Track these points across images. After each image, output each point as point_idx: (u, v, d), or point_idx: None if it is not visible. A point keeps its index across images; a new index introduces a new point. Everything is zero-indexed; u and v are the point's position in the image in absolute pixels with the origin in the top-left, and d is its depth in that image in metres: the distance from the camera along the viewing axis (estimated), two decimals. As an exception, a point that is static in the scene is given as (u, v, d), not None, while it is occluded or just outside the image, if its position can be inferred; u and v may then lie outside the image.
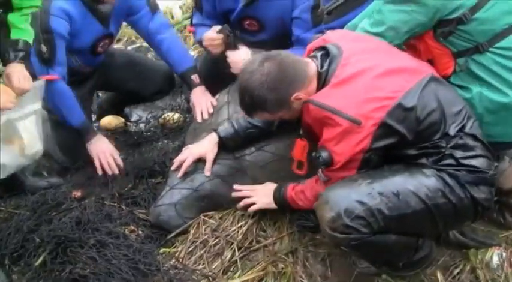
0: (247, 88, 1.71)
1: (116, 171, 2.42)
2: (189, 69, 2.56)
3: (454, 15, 1.78)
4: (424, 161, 1.66)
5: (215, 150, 2.15)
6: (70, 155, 2.54)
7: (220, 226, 2.11)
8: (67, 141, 2.48)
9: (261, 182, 2.11)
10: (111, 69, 2.75)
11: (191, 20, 2.61)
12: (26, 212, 2.18)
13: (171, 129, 2.91)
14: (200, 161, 2.17)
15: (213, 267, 1.99)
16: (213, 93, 2.50)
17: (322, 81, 1.71)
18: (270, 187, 2.04)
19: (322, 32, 2.29)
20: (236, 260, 2.00)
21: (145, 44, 3.67)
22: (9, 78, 1.94)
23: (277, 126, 2.11)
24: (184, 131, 2.73)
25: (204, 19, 2.55)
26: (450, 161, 1.64)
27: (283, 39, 2.46)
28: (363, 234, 1.58)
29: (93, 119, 3.07)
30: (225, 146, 2.16)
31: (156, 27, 2.57)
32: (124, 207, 2.29)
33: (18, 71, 1.96)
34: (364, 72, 1.65)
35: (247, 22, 2.49)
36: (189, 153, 2.19)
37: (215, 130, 2.17)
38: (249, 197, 2.08)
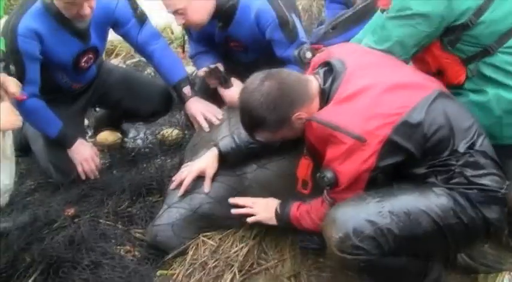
0: (247, 108, 1.69)
1: (97, 175, 2.51)
2: (180, 81, 2.51)
3: (459, 22, 1.76)
4: (433, 179, 1.61)
5: (215, 165, 2.10)
6: (63, 171, 2.51)
7: (220, 247, 2.05)
8: (59, 158, 2.49)
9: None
10: (107, 86, 2.71)
11: (183, 48, 2.68)
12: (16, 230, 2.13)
13: (169, 145, 2.86)
14: (200, 178, 2.11)
15: (213, 290, 1.92)
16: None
17: (326, 98, 1.68)
18: (271, 203, 1.97)
19: (303, 44, 2.32)
20: (236, 284, 1.94)
21: (143, 59, 3.62)
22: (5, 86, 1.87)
23: (280, 144, 2.05)
24: (183, 148, 2.68)
25: (197, 45, 2.60)
26: (460, 179, 1.59)
27: (273, 58, 2.44)
28: (372, 255, 1.52)
29: (90, 134, 3.02)
30: (226, 161, 2.10)
31: (145, 38, 2.53)
32: (120, 226, 2.24)
33: (8, 79, 1.90)
34: (369, 89, 1.62)
35: (231, 43, 2.50)
36: (188, 171, 2.13)
37: (215, 145, 2.11)
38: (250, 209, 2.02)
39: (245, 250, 2.02)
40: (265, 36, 2.36)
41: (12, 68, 2.14)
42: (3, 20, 2.28)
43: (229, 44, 2.50)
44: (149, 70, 3.64)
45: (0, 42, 1.95)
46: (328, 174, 1.63)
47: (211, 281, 1.95)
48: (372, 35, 1.90)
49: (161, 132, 2.96)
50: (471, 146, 1.61)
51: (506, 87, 1.78)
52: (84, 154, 2.49)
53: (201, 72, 2.47)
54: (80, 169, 2.47)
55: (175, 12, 2.28)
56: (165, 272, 2.04)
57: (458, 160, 1.59)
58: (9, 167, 1.95)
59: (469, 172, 1.59)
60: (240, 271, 1.97)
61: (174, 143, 2.86)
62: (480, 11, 1.75)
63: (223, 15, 2.35)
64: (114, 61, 3.78)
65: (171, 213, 2.10)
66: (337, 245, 1.54)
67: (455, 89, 1.86)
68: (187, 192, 2.11)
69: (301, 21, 2.52)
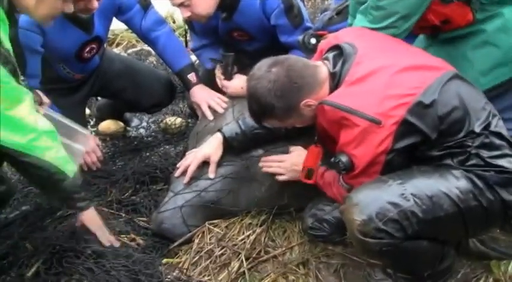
0: (255, 95, 1.66)
1: (99, 167, 2.41)
2: (185, 68, 2.48)
3: None
4: (449, 161, 1.58)
5: (220, 151, 2.07)
6: None
7: (226, 235, 2.02)
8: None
9: (269, 187, 2.04)
10: (108, 75, 2.67)
11: (185, 41, 2.65)
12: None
13: (172, 134, 2.84)
14: (205, 165, 2.08)
15: (219, 279, 1.90)
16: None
17: (336, 81, 1.65)
18: (299, 160, 1.93)
19: (307, 29, 2.32)
20: (244, 272, 1.91)
21: (146, 47, 3.62)
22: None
23: (286, 130, 2.02)
24: (186, 136, 2.67)
25: (200, 39, 2.57)
26: (477, 161, 1.56)
27: (278, 45, 2.42)
28: (395, 238, 1.50)
29: (92, 123, 2.99)
30: (231, 147, 2.06)
31: (150, 24, 2.49)
32: (124, 215, 2.20)
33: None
34: (381, 70, 1.59)
35: (235, 33, 2.47)
36: (193, 158, 2.10)
37: (220, 130, 2.08)
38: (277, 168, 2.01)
39: (252, 238, 2.00)
40: (268, 23, 2.34)
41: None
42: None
43: (233, 35, 2.47)
44: (151, 59, 3.61)
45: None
46: (343, 159, 1.61)
47: (217, 269, 1.93)
48: (364, 16, 1.89)
49: (164, 121, 2.94)
50: (486, 127, 1.58)
51: None
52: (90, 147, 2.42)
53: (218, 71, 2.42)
54: (81, 161, 2.41)
55: (181, 5, 2.24)
56: (171, 260, 2.01)
57: (473, 141, 1.57)
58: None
59: (485, 153, 1.56)
60: (247, 259, 1.94)
61: (177, 132, 2.84)
62: None
63: (227, 5, 2.32)
64: (116, 50, 3.75)
65: (177, 200, 2.07)
66: (360, 228, 1.50)
67: (469, 29, 1.86)
68: (192, 179, 2.08)
69: (304, 6, 2.50)
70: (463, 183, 1.54)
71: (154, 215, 2.11)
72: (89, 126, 2.88)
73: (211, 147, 2.07)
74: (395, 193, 1.51)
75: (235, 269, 1.91)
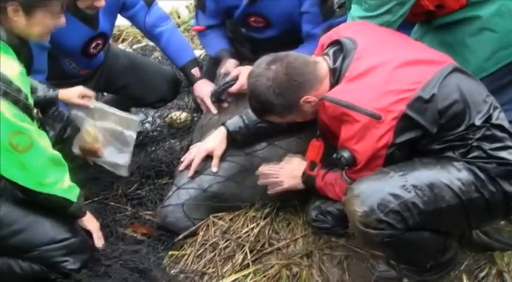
0: (254, 92, 1.68)
1: None
2: (188, 63, 2.49)
3: None
4: (451, 154, 1.59)
5: (223, 145, 2.08)
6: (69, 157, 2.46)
7: (230, 228, 2.04)
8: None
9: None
10: (113, 71, 2.67)
11: (196, 20, 2.58)
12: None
13: (178, 128, 2.84)
14: (209, 159, 2.09)
15: (224, 271, 1.92)
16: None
17: (336, 77, 1.66)
18: (297, 169, 1.93)
19: (332, 27, 2.26)
20: (248, 264, 1.93)
21: (151, 43, 3.61)
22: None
23: (289, 123, 2.02)
24: (191, 130, 2.67)
25: (208, 18, 2.51)
26: (479, 153, 1.57)
27: (292, 34, 2.42)
28: (396, 230, 1.51)
29: (98, 118, 2.99)
30: (234, 141, 2.07)
31: (154, 20, 2.50)
32: (129, 209, 2.23)
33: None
34: (381, 65, 1.59)
35: (252, 19, 2.44)
36: (196, 151, 2.11)
37: (223, 124, 2.09)
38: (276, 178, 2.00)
39: (256, 230, 2.01)
40: (298, 9, 2.32)
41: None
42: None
43: (249, 20, 2.45)
44: (156, 54, 3.61)
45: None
46: (345, 154, 1.61)
47: (222, 261, 1.94)
48: (359, 6, 1.89)
49: (169, 115, 2.94)
50: (487, 120, 1.58)
51: None
52: None
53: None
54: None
55: None
56: (176, 253, 2.03)
57: (475, 134, 1.57)
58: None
59: (486, 145, 1.56)
60: (251, 251, 1.95)
61: (183, 126, 2.84)
62: None
63: None
64: (121, 46, 3.74)
65: (181, 194, 2.08)
66: (361, 219, 1.51)
67: (463, 14, 1.86)
68: (196, 173, 2.09)
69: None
70: (465, 175, 1.54)
71: (158, 209, 2.14)
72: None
73: (214, 141, 2.08)
74: (396, 185, 1.52)
75: (239, 261, 1.93)
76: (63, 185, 1.78)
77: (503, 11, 1.83)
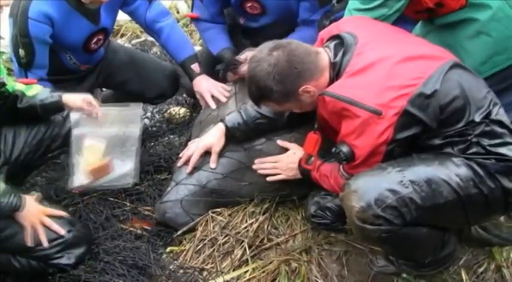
0: (254, 77, 1.66)
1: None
2: (188, 58, 2.48)
3: None
4: (450, 150, 1.58)
5: (222, 141, 2.07)
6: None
7: (229, 223, 2.04)
8: None
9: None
10: (112, 66, 2.67)
11: (192, 8, 2.58)
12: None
13: (177, 124, 2.84)
14: (207, 154, 2.09)
15: (223, 266, 1.92)
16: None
17: (336, 71, 1.65)
18: (293, 160, 1.96)
19: (329, 12, 2.28)
20: (247, 259, 1.93)
21: (150, 38, 3.60)
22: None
23: (288, 118, 2.03)
24: (190, 126, 2.67)
25: (205, 6, 2.51)
26: (478, 149, 1.56)
27: (287, 21, 2.43)
28: (394, 225, 1.50)
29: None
30: (233, 136, 2.07)
31: (154, 15, 2.49)
32: (128, 204, 2.22)
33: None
34: (382, 61, 1.58)
35: (248, 5, 2.44)
36: (195, 147, 2.11)
37: (222, 120, 2.08)
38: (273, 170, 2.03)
39: (255, 226, 2.01)
40: None
41: (21, 51, 2.12)
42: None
43: (245, 6, 2.45)
44: (155, 49, 3.60)
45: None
46: (344, 149, 1.61)
47: (221, 256, 1.94)
48: None
49: (168, 111, 2.93)
50: (487, 116, 1.58)
51: None
52: None
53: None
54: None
55: None
56: (175, 248, 2.03)
57: (474, 130, 1.56)
58: None
59: (485, 141, 1.56)
60: (250, 247, 1.95)
61: (182, 121, 2.84)
62: None
63: None
64: (120, 41, 3.73)
65: (179, 189, 2.08)
66: (359, 215, 1.51)
67: (463, 15, 1.85)
68: (194, 169, 2.09)
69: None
70: (464, 171, 1.53)
71: (157, 204, 2.13)
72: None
73: (213, 137, 2.07)
74: (394, 180, 1.51)
75: (238, 256, 1.93)
76: None
77: (500, 16, 1.82)
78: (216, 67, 2.35)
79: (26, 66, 2.18)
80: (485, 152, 1.55)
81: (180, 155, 2.17)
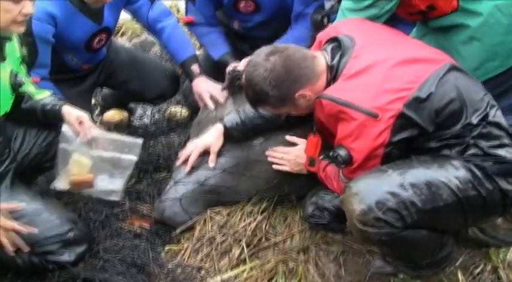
0: (251, 82, 1.67)
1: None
2: (188, 59, 2.49)
3: None
4: (448, 152, 1.58)
5: (220, 141, 2.08)
6: None
7: (227, 222, 2.04)
8: None
9: (270, 176, 2.05)
10: (114, 66, 2.68)
11: (186, 12, 2.59)
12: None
13: (177, 123, 2.84)
14: (206, 154, 2.10)
15: (221, 265, 1.93)
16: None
17: (333, 74, 1.65)
18: (300, 157, 1.97)
19: (322, 6, 2.31)
20: (245, 258, 1.93)
21: (150, 38, 3.61)
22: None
23: (286, 119, 2.04)
24: (190, 126, 2.65)
25: (198, 10, 2.52)
26: (475, 150, 1.56)
27: (281, 19, 2.44)
28: (395, 228, 1.51)
29: (97, 113, 3.00)
30: (231, 136, 2.08)
31: (156, 15, 2.51)
32: (127, 202, 2.22)
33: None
34: (379, 64, 1.58)
35: (242, 4, 2.45)
36: (194, 147, 2.12)
37: (220, 120, 2.09)
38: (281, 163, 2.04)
39: (253, 225, 2.01)
40: None
41: (24, 50, 2.12)
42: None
43: (239, 5, 2.46)
44: (155, 49, 3.61)
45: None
46: (342, 152, 1.61)
47: (219, 255, 1.95)
48: None
49: (168, 110, 2.94)
50: (484, 118, 1.58)
51: None
52: None
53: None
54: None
55: None
56: (173, 247, 2.04)
57: (471, 132, 1.57)
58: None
59: (483, 143, 1.56)
60: (248, 246, 1.96)
61: (182, 121, 2.84)
62: None
63: None
64: (120, 40, 3.74)
65: (178, 188, 2.09)
66: (359, 217, 1.51)
67: (456, 19, 1.86)
68: (193, 168, 2.09)
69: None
70: (462, 173, 1.54)
71: (156, 203, 2.14)
72: (93, 116, 2.89)
73: (212, 137, 2.08)
74: (394, 183, 1.51)
75: (236, 255, 1.93)
76: None
77: (491, 22, 1.82)
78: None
79: (28, 65, 2.18)
80: (483, 153, 1.55)
81: (179, 155, 2.17)
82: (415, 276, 1.80)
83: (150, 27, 2.55)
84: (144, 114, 3.05)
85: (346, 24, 1.81)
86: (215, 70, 2.50)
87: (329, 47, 1.70)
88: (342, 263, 1.90)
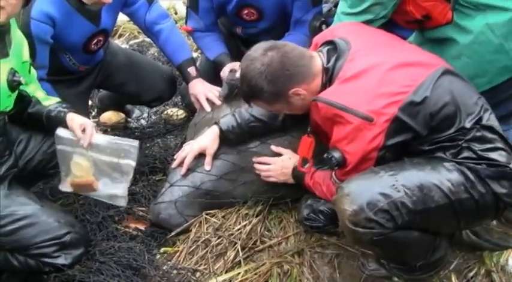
0: (246, 75, 1.68)
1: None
2: (185, 61, 2.50)
3: None
4: (441, 154, 1.59)
5: (216, 143, 2.08)
6: None
7: (223, 225, 2.04)
8: None
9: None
10: (111, 68, 2.68)
11: (187, 20, 2.59)
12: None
13: (173, 125, 2.85)
14: (201, 156, 2.10)
15: (216, 268, 1.92)
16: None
17: (329, 77, 1.66)
18: (287, 166, 1.99)
19: (321, 13, 2.36)
20: (240, 261, 1.93)
21: (147, 39, 3.61)
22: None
23: (282, 122, 2.04)
24: (186, 128, 2.66)
25: (200, 18, 2.53)
26: (469, 153, 1.57)
27: (283, 26, 2.46)
28: (386, 229, 1.51)
29: (94, 114, 3.00)
30: (227, 139, 2.08)
31: (154, 17, 2.51)
32: (123, 205, 2.21)
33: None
34: (374, 67, 1.60)
35: (245, 12, 2.47)
36: (189, 149, 2.12)
37: (216, 123, 2.10)
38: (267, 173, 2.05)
39: (248, 228, 2.02)
40: None
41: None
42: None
43: (242, 13, 2.48)
44: (152, 50, 3.61)
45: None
46: (336, 154, 1.62)
47: (214, 258, 1.95)
48: (344, 2, 1.91)
49: (165, 112, 2.95)
50: (478, 121, 1.59)
51: (493, 9, 1.80)
52: None
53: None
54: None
55: None
56: (168, 249, 2.04)
57: (465, 136, 1.58)
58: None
59: (476, 146, 1.57)
60: (243, 248, 1.96)
61: (178, 123, 2.85)
62: None
63: None
64: (118, 41, 3.74)
65: (174, 191, 2.09)
66: (351, 218, 1.52)
67: (449, 33, 1.88)
68: (189, 171, 2.10)
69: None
70: (455, 176, 1.55)
71: (151, 206, 2.14)
72: (90, 117, 2.89)
73: (207, 139, 2.08)
74: (386, 184, 1.52)
75: (231, 258, 1.93)
76: None
77: (481, 40, 1.83)
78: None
79: None
80: (476, 156, 1.56)
81: (175, 157, 2.17)
82: (409, 279, 1.80)
83: (148, 29, 2.56)
84: (141, 115, 3.05)
85: (342, 27, 1.82)
86: (215, 73, 2.51)
87: (325, 49, 1.71)
88: (336, 266, 1.90)
